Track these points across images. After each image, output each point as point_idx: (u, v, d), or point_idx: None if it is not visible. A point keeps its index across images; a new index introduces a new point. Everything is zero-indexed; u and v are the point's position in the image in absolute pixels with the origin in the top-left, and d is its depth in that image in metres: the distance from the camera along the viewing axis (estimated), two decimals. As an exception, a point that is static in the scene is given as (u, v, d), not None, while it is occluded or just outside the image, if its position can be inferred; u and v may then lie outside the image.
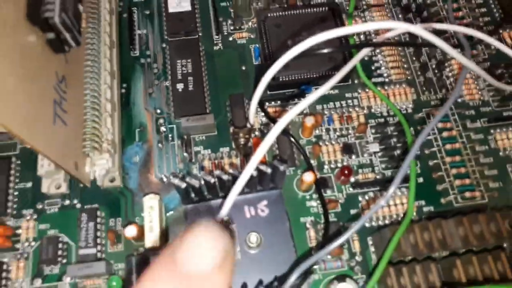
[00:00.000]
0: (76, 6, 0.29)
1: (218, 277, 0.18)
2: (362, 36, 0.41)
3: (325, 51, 0.32)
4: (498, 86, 0.37)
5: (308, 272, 0.30)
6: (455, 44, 0.40)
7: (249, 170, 0.26)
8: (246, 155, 0.35)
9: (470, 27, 0.42)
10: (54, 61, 0.28)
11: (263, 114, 0.36)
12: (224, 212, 0.26)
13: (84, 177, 0.31)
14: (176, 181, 0.28)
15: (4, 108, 0.21)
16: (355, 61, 0.33)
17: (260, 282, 0.30)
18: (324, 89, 0.29)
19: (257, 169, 0.29)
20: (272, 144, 0.34)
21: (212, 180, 0.29)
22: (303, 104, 0.28)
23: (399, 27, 0.30)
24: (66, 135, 0.28)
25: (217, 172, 0.29)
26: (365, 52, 0.34)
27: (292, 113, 0.27)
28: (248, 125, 0.34)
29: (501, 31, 0.42)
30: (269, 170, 0.29)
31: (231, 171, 0.29)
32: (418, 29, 0.29)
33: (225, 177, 0.29)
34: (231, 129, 0.35)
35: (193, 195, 0.31)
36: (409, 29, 0.30)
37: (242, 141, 0.34)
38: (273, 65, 0.28)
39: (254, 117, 0.34)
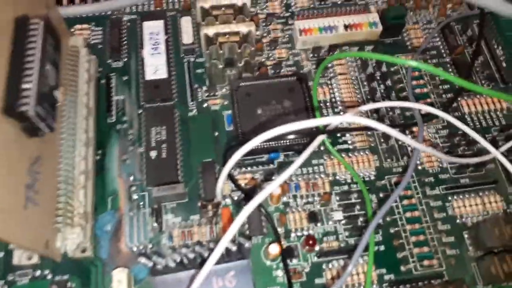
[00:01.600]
0: (52, 94, 0.30)
1: None
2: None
3: (291, 136, 0.34)
4: (448, 160, 0.39)
5: None
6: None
7: (217, 252, 0.27)
8: (216, 224, 0.37)
9: (431, 95, 0.45)
10: (28, 145, 0.29)
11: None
12: None
13: (55, 254, 0.32)
14: (143, 260, 0.30)
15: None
16: (311, 148, 0.36)
17: None
18: (288, 172, 0.31)
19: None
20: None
21: (178, 259, 0.30)
22: (273, 185, 0.30)
23: (336, 120, 0.34)
24: (38, 216, 0.29)
25: (183, 251, 0.30)
26: (320, 138, 0.37)
27: (263, 194, 0.29)
28: (216, 200, 0.35)
29: (459, 99, 0.45)
30: (234, 248, 0.31)
31: (197, 248, 0.30)
32: (352, 118, 0.32)
33: (191, 255, 0.30)
34: (199, 203, 0.36)
35: (160, 267, 0.32)
36: (344, 120, 0.33)
37: (210, 213, 0.35)
38: (239, 150, 0.30)
39: (221, 193, 0.35)
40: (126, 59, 0.45)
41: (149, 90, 0.42)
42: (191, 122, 0.42)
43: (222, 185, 0.33)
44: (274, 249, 0.34)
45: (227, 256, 0.33)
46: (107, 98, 0.43)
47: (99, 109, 0.42)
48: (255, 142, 0.29)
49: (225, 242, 0.27)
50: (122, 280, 0.32)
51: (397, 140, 0.42)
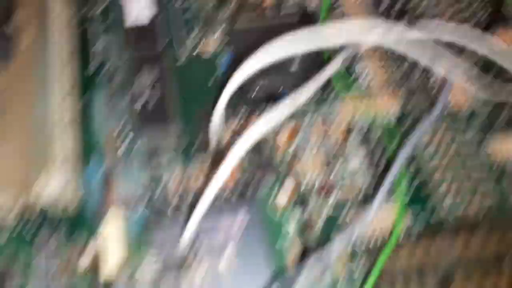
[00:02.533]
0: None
1: None
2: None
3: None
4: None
5: None
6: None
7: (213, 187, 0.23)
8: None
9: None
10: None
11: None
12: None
13: (32, 204, 0.27)
14: (140, 208, 0.25)
15: None
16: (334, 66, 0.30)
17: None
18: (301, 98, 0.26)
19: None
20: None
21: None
22: (273, 117, 0.25)
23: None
24: (7, 156, 0.25)
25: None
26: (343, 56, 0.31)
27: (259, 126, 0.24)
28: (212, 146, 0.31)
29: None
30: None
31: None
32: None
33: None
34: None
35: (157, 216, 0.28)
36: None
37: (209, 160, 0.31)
38: (235, 75, 0.25)
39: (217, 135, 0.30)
40: (104, 4, 0.40)
41: (131, 38, 0.38)
42: (181, 72, 0.37)
43: (218, 124, 0.28)
44: (283, 197, 0.29)
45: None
46: (85, 47, 0.38)
47: (76, 59, 0.37)
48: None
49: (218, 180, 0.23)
50: (114, 229, 0.27)
51: (422, 77, 0.37)
